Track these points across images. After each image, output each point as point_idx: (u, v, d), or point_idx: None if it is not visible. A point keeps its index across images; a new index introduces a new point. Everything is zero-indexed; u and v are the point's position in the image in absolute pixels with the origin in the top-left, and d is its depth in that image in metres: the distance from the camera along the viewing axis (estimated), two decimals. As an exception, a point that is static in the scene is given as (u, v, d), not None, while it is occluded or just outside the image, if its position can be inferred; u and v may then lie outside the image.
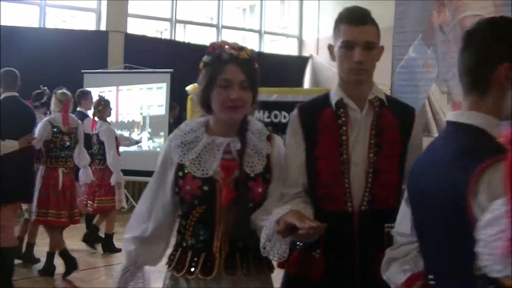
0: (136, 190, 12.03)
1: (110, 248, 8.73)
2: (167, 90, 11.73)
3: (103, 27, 12.80)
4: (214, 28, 15.03)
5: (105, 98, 8.98)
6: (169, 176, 2.82)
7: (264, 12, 15.93)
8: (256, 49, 14.93)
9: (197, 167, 2.74)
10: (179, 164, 2.79)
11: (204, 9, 16.42)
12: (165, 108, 11.80)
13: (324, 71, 15.46)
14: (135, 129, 11.88)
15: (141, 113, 11.93)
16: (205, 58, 2.85)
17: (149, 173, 10.34)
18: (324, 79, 15.41)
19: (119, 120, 11.96)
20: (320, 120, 2.96)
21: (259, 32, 15.87)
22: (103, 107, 8.71)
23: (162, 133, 11.75)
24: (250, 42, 16.23)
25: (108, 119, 9.04)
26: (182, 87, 11.63)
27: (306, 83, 15.59)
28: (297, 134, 3.01)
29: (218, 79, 2.72)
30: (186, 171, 2.75)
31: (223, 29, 15.08)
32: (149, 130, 11.92)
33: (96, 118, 8.70)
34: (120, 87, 12.00)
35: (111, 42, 12.58)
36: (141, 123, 11.83)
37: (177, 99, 11.90)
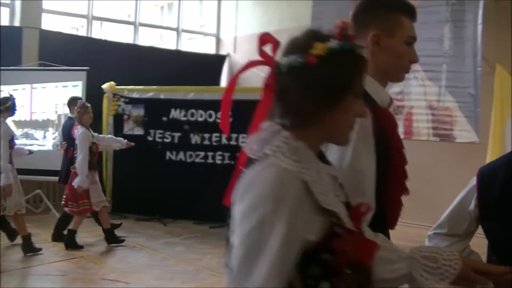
0: (50, 191, 11.81)
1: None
2: (83, 88, 11.56)
3: (17, 23, 12.51)
4: (132, 26, 14.89)
5: (86, 103, 9.11)
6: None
7: (182, 10, 15.87)
8: (174, 47, 14.95)
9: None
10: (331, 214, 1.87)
11: (122, 6, 16.27)
12: (81, 107, 11.64)
13: (241, 70, 15.50)
14: (50, 128, 11.65)
15: (56, 112, 11.71)
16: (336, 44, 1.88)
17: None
18: (241, 78, 15.26)
19: (33, 118, 11.72)
20: (386, 121, 2.52)
21: (177, 30, 15.80)
22: (81, 111, 8.89)
23: (77, 132, 11.58)
24: (168, 40, 16.17)
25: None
26: (98, 85, 11.52)
27: (224, 81, 15.60)
28: (368, 141, 2.40)
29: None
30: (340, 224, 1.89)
31: (140, 27, 14.95)
32: (64, 129, 11.71)
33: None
34: (34, 85, 11.74)
35: (25, 39, 12.30)
36: (56, 122, 11.61)
37: (93, 98, 11.73)
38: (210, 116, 11.15)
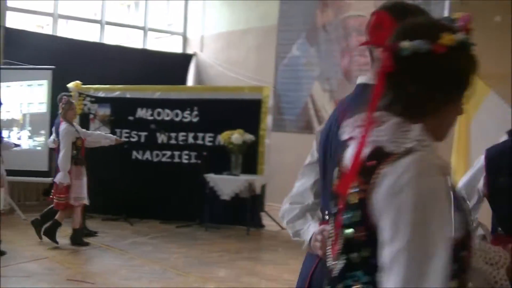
0: (15, 190, 11.66)
1: None
2: (48, 87, 11.43)
3: (-20, 21, 12.35)
4: (98, 24, 14.76)
5: (69, 100, 9.26)
6: None
7: (148, 9, 15.78)
8: (140, 46, 14.86)
9: None
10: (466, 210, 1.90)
11: (88, 5, 16.11)
12: (46, 106, 11.50)
13: (208, 69, 15.47)
14: (15, 128, 11.51)
15: (21, 111, 11.58)
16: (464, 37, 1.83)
17: (28, 173, 10.18)
18: (208, 77, 15.43)
19: (-2, 117, 11.56)
20: None
21: (144, 29, 15.70)
22: (65, 107, 9.01)
23: (43, 132, 11.44)
24: (134, 39, 16.07)
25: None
26: (64, 85, 11.39)
27: (190, 80, 15.55)
28: None
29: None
30: None
31: (106, 25, 14.83)
32: (29, 128, 11.57)
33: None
34: (-2, 84, 11.60)
35: (-11, 37, 12.15)
36: (21, 121, 11.48)
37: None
38: (177, 115, 11.11)
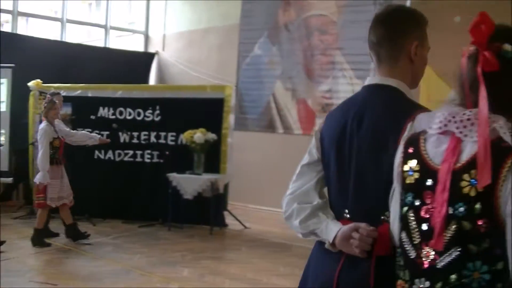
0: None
1: None
2: (8, 86, 11.32)
3: None
4: (59, 22, 14.63)
5: (52, 99, 9.15)
6: None
7: (110, 7, 15.68)
8: (102, 44, 14.77)
9: None
10: None
11: (48, 2, 15.95)
12: (6, 104, 11.38)
13: (170, 67, 15.44)
14: (-26, 126, 11.37)
15: (-19, 110, 11.44)
16: None
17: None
18: (170, 76, 15.39)
19: (-44, 117, 11.41)
20: None
21: (105, 27, 15.60)
22: (48, 106, 9.02)
23: (3, 131, 11.32)
24: (96, 38, 15.96)
25: None
26: (24, 83, 11.28)
27: (152, 79, 15.50)
28: None
29: None
30: None
31: (67, 23, 14.70)
32: (-11, 127, 11.43)
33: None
34: (-43, 83, 11.45)
35: None
36: (-19, 120, 11.35)
37: (19, 96, 11.50)
38: (139, 114, 11.07)
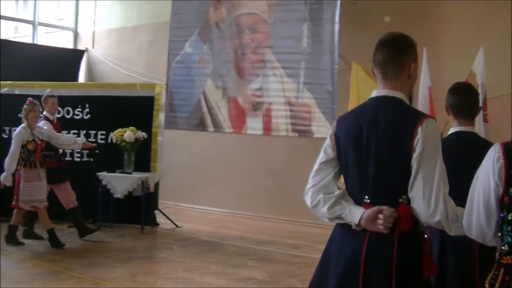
0: None
1: None
2: None
3: None
4: (-17, 18, 14.30)
5: (33, 101, 9.17)
6: None
7: (38, 2, 15.39)
8: (30, 41, 14.48)
9: None
10: None
11: (-28, -3, 15.57)
12: None
13: (99, 65, 15.26)
14: None
15: None
16: None
17: None
18: (99, 74, 15.21)
19: None
20: None
21: (33, 23, 15.31)
22: (27, 109, 9.09)
23: None
24: (23, 33, 15.65)
25: None
26: None
27: (81, 77, 15.30)
28: None
29: None
30: None
31: (-7, 19, 14.39)
32: None
33: None
34: None
35: None
36: None
37: None
38: (68, 112, 10.95)
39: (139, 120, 10.38)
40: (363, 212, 3.08)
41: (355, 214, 3.12)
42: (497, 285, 2.67)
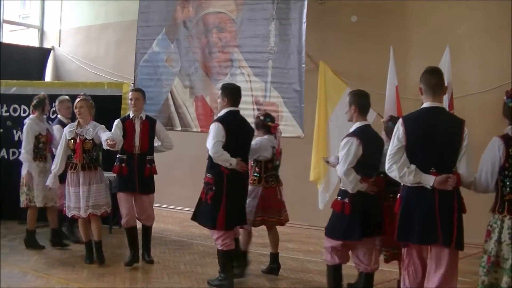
0: None
1: None
2: None
3: None
4: None
5: (41, 97, 9.32)
6: None
7: (3, 1, 15.24)
8: (-5, 39, 14.33)
9: None
10: None
11: None
12: None
13: (66, 64, 15.18)
14: None
15: None
16: None
17: None
18: (66, 73, 15.13)
19: None
20: None
21: (-2, 21, 15.20)
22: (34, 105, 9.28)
23: None
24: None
25: None
26: None
27: (48, 76, 15.19)
28: None
29: None
30: None
31: (-43, 17, 14.25)
32: None
33: None
34: None
35: None
36: None
37: None
38: (35, 111, 10.84)
39: (107, 119, 10.32)
40: (435, 178, 5.06)
41: (429, 179, 5.08)
42: (499, 217, 4.96)
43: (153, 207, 8.69)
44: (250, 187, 7.52)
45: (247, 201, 7.44)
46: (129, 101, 8.58)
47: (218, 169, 6.97)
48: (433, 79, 5.22)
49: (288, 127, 9.69)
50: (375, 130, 6.41)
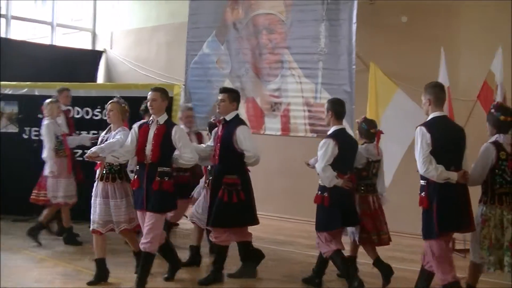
0: None
1: None
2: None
3: None
4: (3, 19, 14.42)
5: (54, 98, 9.55)
6: None
7: (56, 4, 15.51)
8: (48, 42, 14.57)
9: None
10: None
11: (-8, -1, 15.68)
12: None
13: (118, 66, 15.35)
14: None
15: None
16: None
17: None
18: (118, 74, 15.31)
19: None
20: None
21: (51, 24, 15.44)
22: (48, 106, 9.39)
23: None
24: (42, 35, 15.76)
25: None
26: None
27: (100, 78, 15.39)
28: None
29: None
30: None
31: (12, 20, 14.51)
32: None
33: None
34: None
35: None
36: None
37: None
38: (87, 113, 11.01)
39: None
40: (457, 174, 6.00)
41: (454, 175, 5.99)
42: (492, 207, 6.26)
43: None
44: None
45: None
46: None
47: (243, 169, 7.42)
48: (442, 93, 6.29)
49: (338, 128, 9.66)
50: (349, 133, 7.69)
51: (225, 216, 7.27)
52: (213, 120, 8.31)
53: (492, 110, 6.46)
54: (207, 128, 8.22)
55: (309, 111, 9.95)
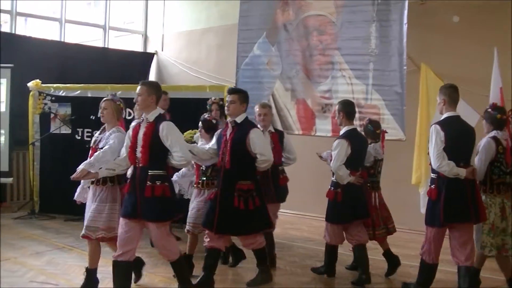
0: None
1: None
2: (7, 85, 11.34)
3: None
4: (57, 22, 14.65)
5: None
6: None
7: (109, 7, 15.70)
8: (101, 44, 14.77)
9: None
10: None
11: (47, 2, 15.92)
12: (5, 105, 11.40)
13: (169, 68, 15.47)
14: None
15: (-19, 110, 11.43)
16: None
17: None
18: (169, 76, 15.42)
19: (-44, 117, 11.41)
20: None
21: (104, 27, 15.64)
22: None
23: (2, 131, 11.35)
24: (94, 38, 15.97)
25: None
26: (24, 83, 11.30)
27: (151, 79, 15.51)
28: None
29: None
30: None
31: (66, 24, 14.72)
32: (-11, 127, 11.43)
33: None
34: (-43, 83, 11.45)
35: None
36: (-21, 121, 11.35)
37: (18, 96, 11.54)
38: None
39: (209, 122, 10.42)
40: (466, 170, 6.41)
41: (462, 171, 6.39)
42: (491, 196, 6.90)
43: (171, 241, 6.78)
44: None
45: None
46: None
47: (255, 174, 7.13)
48: (456, 94, 6.70)
49: (389, 129, 9.56)
50: (360, 132, 7.94)
51: (251, 222, 7.02)
52: (207, 117, 8.09)
53: (489, 110, 7.22)
54: (200, 125, 8.00)
55: (359, 112, 9.88)
